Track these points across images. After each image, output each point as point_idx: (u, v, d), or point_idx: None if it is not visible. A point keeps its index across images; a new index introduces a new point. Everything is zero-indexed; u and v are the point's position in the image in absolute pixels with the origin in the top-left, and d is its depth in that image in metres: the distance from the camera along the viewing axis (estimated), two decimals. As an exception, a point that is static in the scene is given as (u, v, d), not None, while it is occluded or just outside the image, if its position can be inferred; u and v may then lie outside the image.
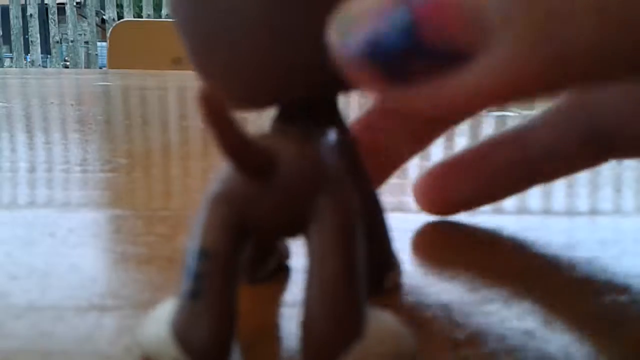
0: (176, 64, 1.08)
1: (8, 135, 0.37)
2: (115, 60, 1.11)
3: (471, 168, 0.19)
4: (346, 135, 0.13)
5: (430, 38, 0.09)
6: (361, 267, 0.11)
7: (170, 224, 0.20)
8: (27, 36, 2.98)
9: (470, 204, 0.20)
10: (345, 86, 0.12)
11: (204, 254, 0.11)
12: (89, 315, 0.13)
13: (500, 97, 0.09)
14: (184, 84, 0.77)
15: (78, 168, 0.28)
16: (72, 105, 0.54)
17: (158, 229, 0.19)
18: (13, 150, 0.32)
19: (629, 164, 0.31)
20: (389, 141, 0.18)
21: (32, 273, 0.15)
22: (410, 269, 0.16)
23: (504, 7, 0.09)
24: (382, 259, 0.14)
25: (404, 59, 0.09)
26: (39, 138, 0.36)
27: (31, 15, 2.93)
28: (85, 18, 3.10)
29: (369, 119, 0.18)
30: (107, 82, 0.81)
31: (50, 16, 2.99)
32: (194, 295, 0.11)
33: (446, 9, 0.09)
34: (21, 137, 0.36)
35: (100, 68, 2.90)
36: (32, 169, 0.27)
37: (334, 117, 0.13)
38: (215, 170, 0.12)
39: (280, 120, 0.13)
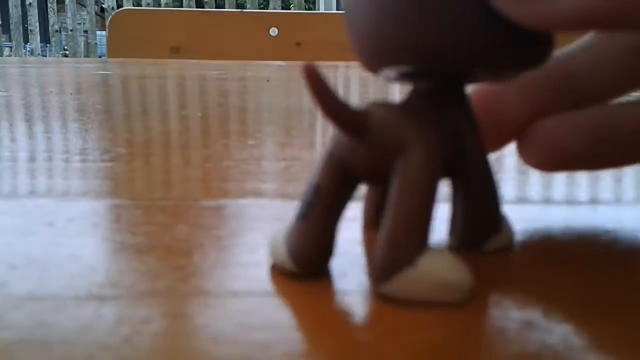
0: (174, 52, 1.07)
1: (7, 124, 0.37)
2: (115, 49, 1.11)
3: (589, 124, 0.18)
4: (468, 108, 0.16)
5: None
6: (426, 215, 0.14)
7: (169, 213, 0.20)
8: (26, 25, 2.97)
9: (581, 163, 0.18)
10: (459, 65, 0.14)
11: (316, 188, 0.15)
12: (88, 305, 0.13)
13: (583, 24, 0.12)
14: (183, 73, 0.77)
15: (77, 157, 0.28)
16: (71, 94, 0.53)
17: (157, 219, 0.19)
18: (12, 139, 0.32)
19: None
20: (506, 112, 0.18)
21: (31, 263, 0.15)
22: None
23: None
24: (485, 221, 0.16)
25: None
26: (38, 127, 0.36)
27: (30, 4, 2.91)
28: (85, 7, 3.09)
29: (488, 91, 0.18)
30: (107, 71, 0.81)
31: (49, 5, 2.98)
32: (304, 217, 0.15)
33: None
34: (20, 127, 0.36)
35: (100, 57, 2.89)
36: (31, 159, 0.27)
37: (460, 101, 0.16)
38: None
39: (412, 95, 0.16)
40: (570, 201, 0.22)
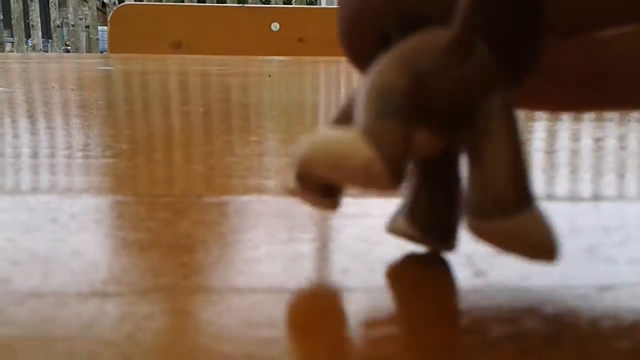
0: (176, 47, 1.07)
1: (10, 120, 0.37)
2: (116, 44, 1.11)
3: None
4: None
5: None
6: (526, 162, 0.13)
7: (172, 210, 0.20)
8: (27, 20, 2.97)
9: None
10: None
11: (395, 88, 0.13)
12: (91, 302, 0.13)
13: None
14: (185, 68, 0.77)
15: (80, 153, 0.28)
16: (72, 90, 0.53)
17: (160, 215, 0.19)
18: (15, 135, 0.32)
19: (633, 149, 0.31)
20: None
21: (34, 259, 0.15)
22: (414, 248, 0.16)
23: None
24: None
25: None
26: (41, 123, 0.36)
27: (31, -1, 2.91)
28: (86, 2, 3.09)
29: None
30: (108, 66, 0.81)
31: (50, 0, 2.97)
32: (385, 114, 0.12)
33: None
34: (22, 122, 0.36)
35: (102, 52, 2.89)
36: (34, 155, 0.27)
37: None
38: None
39: None
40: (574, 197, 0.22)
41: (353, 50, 0.15)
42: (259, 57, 0.96)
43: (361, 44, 0.14)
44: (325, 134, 0.13)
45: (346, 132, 0.12)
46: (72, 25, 2.96)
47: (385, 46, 0.13)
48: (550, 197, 0.22)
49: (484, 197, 0.13)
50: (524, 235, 0.12)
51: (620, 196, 0.22)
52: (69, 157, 0.27)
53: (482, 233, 0.13)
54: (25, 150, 0.28)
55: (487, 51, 0.13)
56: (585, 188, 0.23)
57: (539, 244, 0.13)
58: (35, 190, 0.22)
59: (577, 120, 0.39)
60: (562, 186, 0.23)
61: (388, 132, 0.12)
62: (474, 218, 0.13)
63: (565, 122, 0.38)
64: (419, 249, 0.16)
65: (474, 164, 0.13)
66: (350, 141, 0.12)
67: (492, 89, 0.13)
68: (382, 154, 0.12)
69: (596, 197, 0.22)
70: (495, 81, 0.13)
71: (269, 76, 0.68)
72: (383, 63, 0.13)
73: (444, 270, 0.15)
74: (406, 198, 0.15)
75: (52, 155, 0.27)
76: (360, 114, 0.13)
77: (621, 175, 0.25)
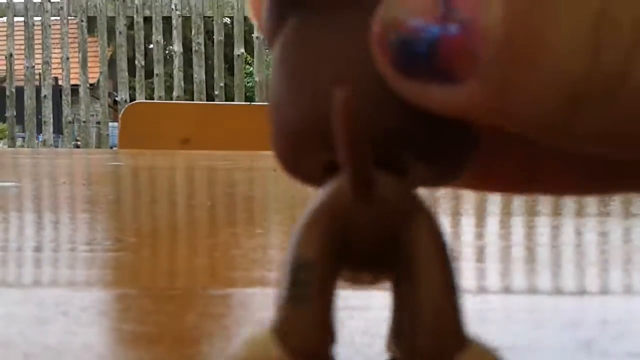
0: (185, 143, 1.10)
1: (24, 214, 0.38)
2: (126, 140, 1.14)
3: None
4: None
5: (442, 59, 0.11)
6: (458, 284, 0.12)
7: (178, 303, 0.20)
8: (40, 116, 3.06)
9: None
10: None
11: (305, 262, 0.12)
12: (99, 394, 0.14)
13: (477, 120, 0.11)
14: (192, 164, 0.79)
15: (88, 247, 0.28)
16: (83, 184, 0.55)
17: (167, 307, 0.20)
18: (29, 229, 0.33)
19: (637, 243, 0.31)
20: None
21: (45, 351, 0.16)
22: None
23: (494, 51, 0.10)
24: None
25: (417, 60, 0.11)
26: (50, 217, 0.37)
27: (45, 96, 3.01)
28: (98, 99, 3.19)
29: None
30: (118, 162, 0.83)
31: (64, 97, 3.08)
32: (296, 301, 0.12)
33: (468, 40, 0.11)
34: (34, 217, 0.37)
35: (111, 147, 2.96)
36: (46, 248, 0.28)
37: None
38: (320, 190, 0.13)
39: None
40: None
41: (293, 169, 0.13)
42: (264, 152, 0.99)
43: (305, 165, 0.13)
44: (246, 338, 0.13)
45: (261, 332, 0.12)
46: (84, 122, 3.04)
47: (333, 169, 0.12)
48: (535, 290, 0.22)
49: (417, 339, 0.12)
50: None
51: (619, 290, 0.22)
52: (75, 250, 0.28)
53: None
54: (38, 244, 0.29)
55: (391, 178, 0.12)
56: (582, 281, 0.24)
57: None
58: (49, 283, 0.22)
59: (580, 215, 0.40)
60: (547, 279, 0.24)
61: (298, 324, 0.12)
62: None
63: (568, 218, 0.39)
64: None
65: (402, 302, 0.12)
66: (262, 344, 0.12)
67: (409, 218, 0.12)
68: (292, 350, 0.12)
69: (595, 291, 0.22)
70: (410, 208, 0.12)
71: (274, 171, 0.70)
72: (297, 231, 0.12)
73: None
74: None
75: (58, 249, 0.28)
76: (277, 299, 0.12)
77: (626, 270, 0.25)
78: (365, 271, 0.13)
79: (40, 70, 3.03)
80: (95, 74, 3.82)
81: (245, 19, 2.78)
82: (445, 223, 0.36)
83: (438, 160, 0.13)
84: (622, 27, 0.10)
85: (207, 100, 2.93)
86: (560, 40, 0.10)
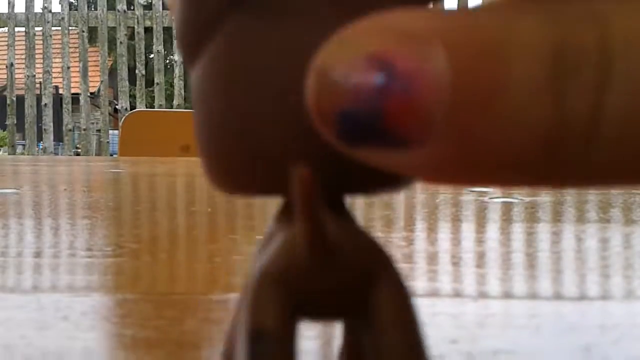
0: (185, 151, 1.10)
1: (26, 221, 0.38)
2: (127, 148, 1.14)
3: None
4: None
5: (391, 125, 0.10)
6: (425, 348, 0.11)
7: (179, 308, 0.20)
8: (40, 124, 3.06)
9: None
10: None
11: (260, 335, 0.11)
12: (100, 397, 0.14)
13: (431, 182, 0.10)
14: (192, 170, 0.79)
15: (89, 253, 0.28)
16: (84, 191, 0.55)
17: (167, 312, 0.20)
18: (30, 235, 0.33)
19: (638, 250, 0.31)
20: None
21: (46, 356, 0.16)
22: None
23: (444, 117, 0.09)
24: None
25: (363, 130, 0.10)
26: (51, 223, 0.37)
27: (45, 104, 3.02)
28: (99, 107, 3.20)
29: None
30: (118, 169, 0.83)
31: (64, 106, 3.08)
32: None
33: (412, 104, 0.09)
34: (34, 223, 0.37)
35: (111, 155, 2.96)
36: (45, 254, 0.28)
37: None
38: (258, 248, 0.12)
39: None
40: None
41: (244, 180, 0.12)
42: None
43: (261, 175, 0.12)
44: None
45: None
46: (84, 129, 3.05)
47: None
48: (535, 295, 0.22)
49: None
50: None
51: (618, 295, 0.22)
52: (76, 256, 0.28)
53: None
54: (39, 250, 0.29)
55: (352, 231, 0.11)
56: (582, 287, 0.24)
57: None
58: (49, 289, 0.22)
59: (580, 221, 0.40)
60: (547, 284, 0.24)
61: None
62: None
63: (568, 224, 0.39)
64: None
65: (360, 356, 0.11)
66: None
67: (373, 280, 0.11)
68: None
69: (596, 297, 0.22)
70: (372, 269, 0.11)
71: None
72: (250, 294, 0.11)
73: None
74: None
75: (59, 254, 0.28)
76: None
77: (628, 276, 0.25)
78: (323, 321, 0.12)
79: (41, 80, 3.03)
80: (95, 83, 3.83)
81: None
82: (445, 229, 0.36)
83: (385, 185, 0.12)
84: (587, 51, 0.08)
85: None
86: (516, 86, 0.09)
